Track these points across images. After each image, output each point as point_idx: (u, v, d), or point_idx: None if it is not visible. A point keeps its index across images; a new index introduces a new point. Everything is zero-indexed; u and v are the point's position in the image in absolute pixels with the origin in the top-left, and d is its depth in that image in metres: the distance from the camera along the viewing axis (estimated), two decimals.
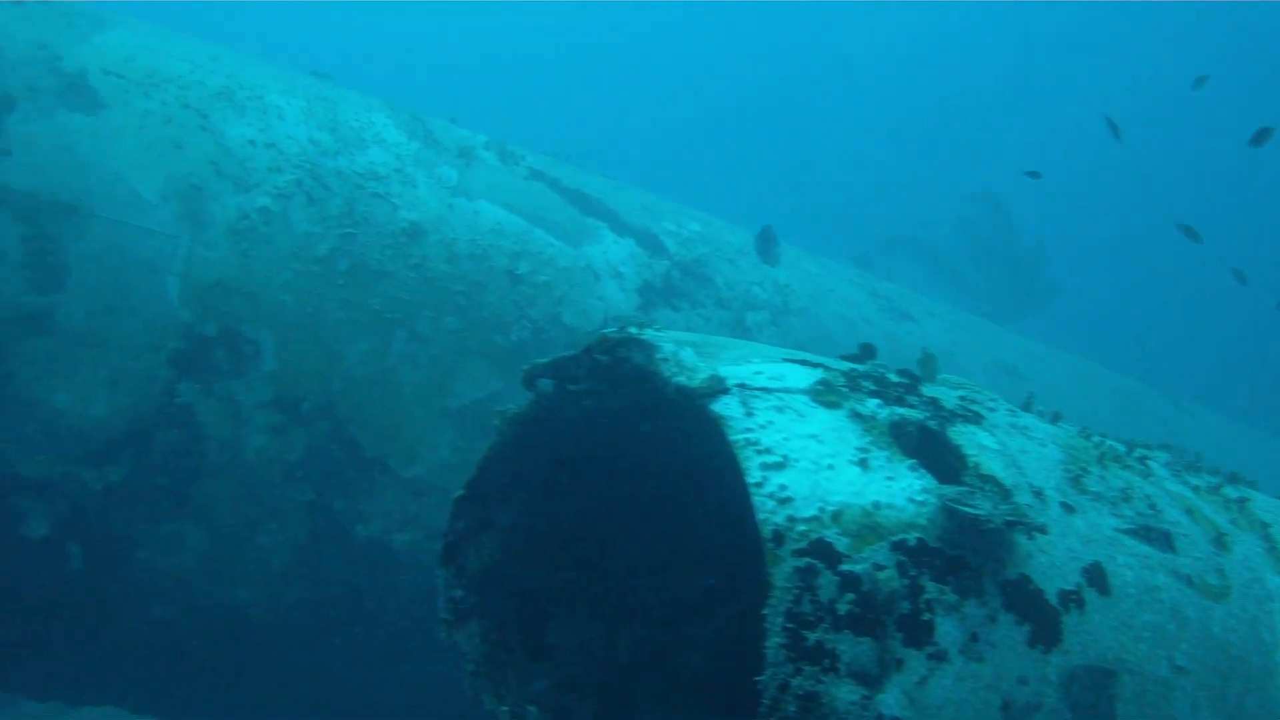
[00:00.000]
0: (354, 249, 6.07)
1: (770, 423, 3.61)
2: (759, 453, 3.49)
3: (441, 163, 6.74)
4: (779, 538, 3.32)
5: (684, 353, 3.70)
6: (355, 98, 6.78)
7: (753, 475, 3.43)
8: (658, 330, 3.94)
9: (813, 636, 3.20)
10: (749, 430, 3.55)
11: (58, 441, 5.60)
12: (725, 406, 3.58)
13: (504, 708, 4.28)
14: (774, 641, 3.21)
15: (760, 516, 3.35)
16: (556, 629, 4.56)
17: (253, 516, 5.89)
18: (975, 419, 3.96)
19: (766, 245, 8.26)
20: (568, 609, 4.62)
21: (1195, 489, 4.55)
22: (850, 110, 56.21)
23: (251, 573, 5.97)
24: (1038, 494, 3.79)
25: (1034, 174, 14.65)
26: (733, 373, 3.72)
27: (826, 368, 4.02)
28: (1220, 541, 4.25)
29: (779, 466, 3.48)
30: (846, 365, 4.20)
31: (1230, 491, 4.69)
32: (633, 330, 3.88)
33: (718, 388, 3.61)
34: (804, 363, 4.05)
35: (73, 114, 5.78)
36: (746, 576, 4.64)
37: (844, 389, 3.80)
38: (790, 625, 3.21)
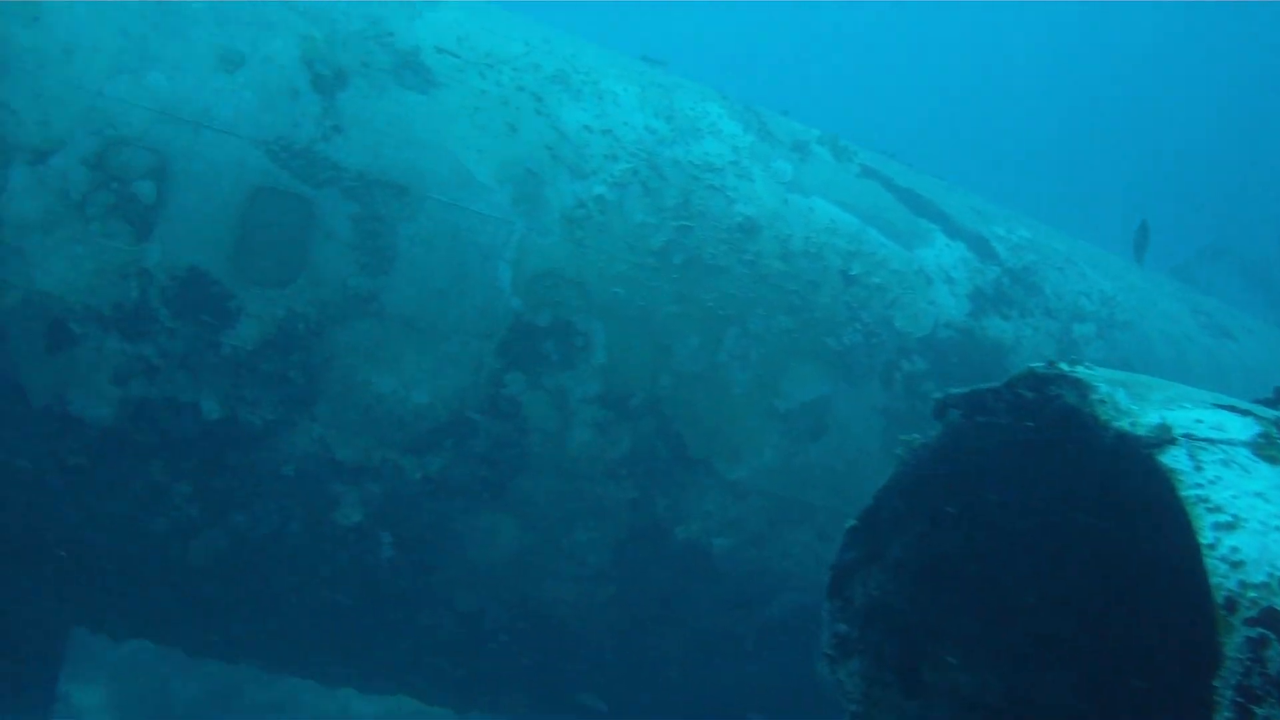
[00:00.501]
0: (689, 242, 5.77)
1: (1218, 478, 3.13)
2: (1210, 510, 3.05)
3: (776, 157, 6.36)
4: (1232, 605, 2.96)
5: (1119, 394, 3.21)
6: (690, 86, 6.48)
7: (1205, 536, 3.00)
8: (1088, 368, 3.45)
9: (1261, 712, 2.88)
10: (1199, 486, 3.06)
11: (378, 427, 5.55)
12: (1174, 459, 3.09)
13: None
14: (1223, 716, 2.90)
15: (1213, 581, 2.99)
16: (931, 666, 4.15)
17: (571, 512, 5.71)
18: None
19: (1142, 240, 7.57)
20: (943, 646, 4.20)
21: None
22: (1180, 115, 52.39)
23: (565, 569, 5.79)
24: None
25: None
26: (1174, 420, 3.21)
27: (1257, 416, 3.49)
28: None
29: (1230, 527, 3.06)
30: (1273, 414, 3.64)
31: None
32: (1063, 367, 3.41)
33: (1165, 437, 3.11)
34: (1233, 409, 3.54)
35: (406, 92, 5.70)
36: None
37: None
38: (1240, 699, 2.90)
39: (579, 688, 6.46)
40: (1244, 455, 3.27)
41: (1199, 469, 3.08)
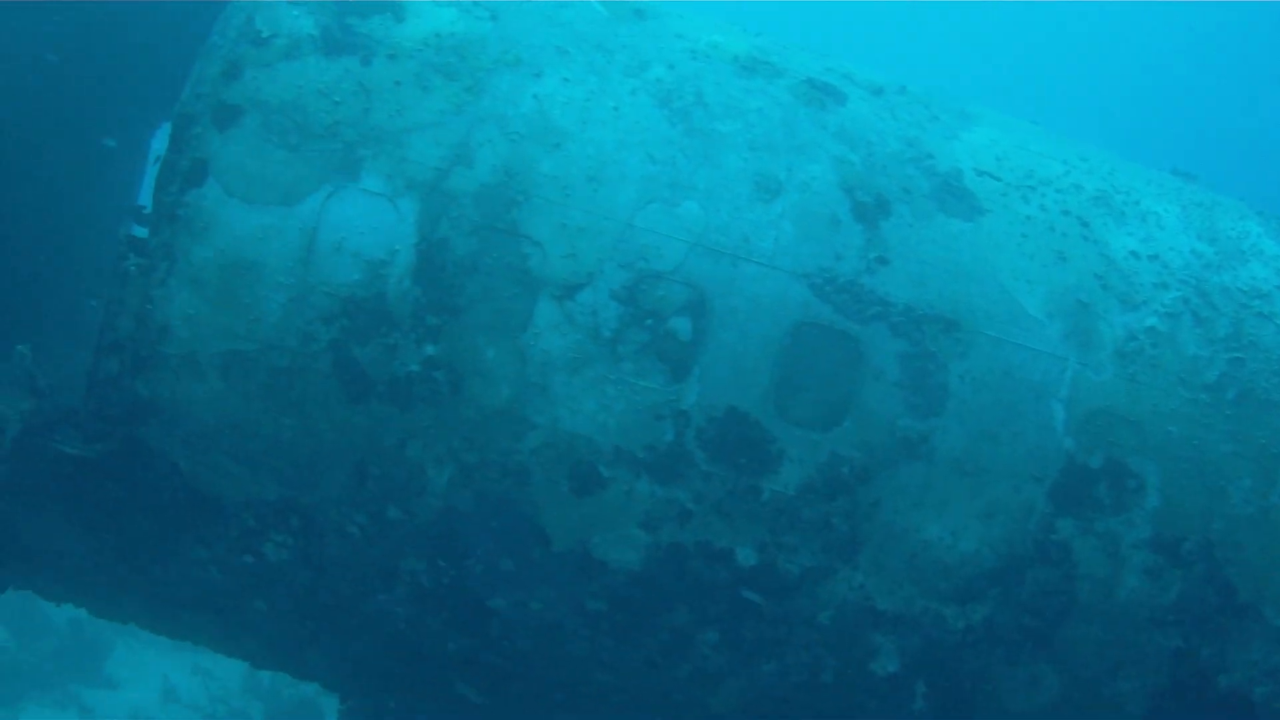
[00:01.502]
0: (1241, 375, 5.38)
1: None
2: None
3: None
4: None
5: None
6: (1228, 204, 6.06)
7: None
8: None
9: None
10: None
11: (922, 575, 5.25)
12: None
13: None
14: None
15: None
16: None
17: (1115, 661, 5.37)
18: None
19: None
20: None
21: None
22: None
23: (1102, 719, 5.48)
24: None
25: None
26: None
27: None
28: None
29: None
30: None
31: None
32: None
33: None
34: None
35: (950, 219, 5.36)
36: None
37: None
38: None
39: None
40: None
41: None
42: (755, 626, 5.28)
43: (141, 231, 6.42)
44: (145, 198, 7.91)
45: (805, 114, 5.45)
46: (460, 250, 5.10)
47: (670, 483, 5.15)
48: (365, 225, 5.13)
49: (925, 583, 5.25)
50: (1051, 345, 5.23)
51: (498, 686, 5.62)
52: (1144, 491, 5.25)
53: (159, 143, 7.68)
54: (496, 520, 5.18)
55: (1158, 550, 5.28)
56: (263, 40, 5.32)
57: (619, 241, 5.15)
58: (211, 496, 5.27)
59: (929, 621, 5.28)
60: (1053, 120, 6.77)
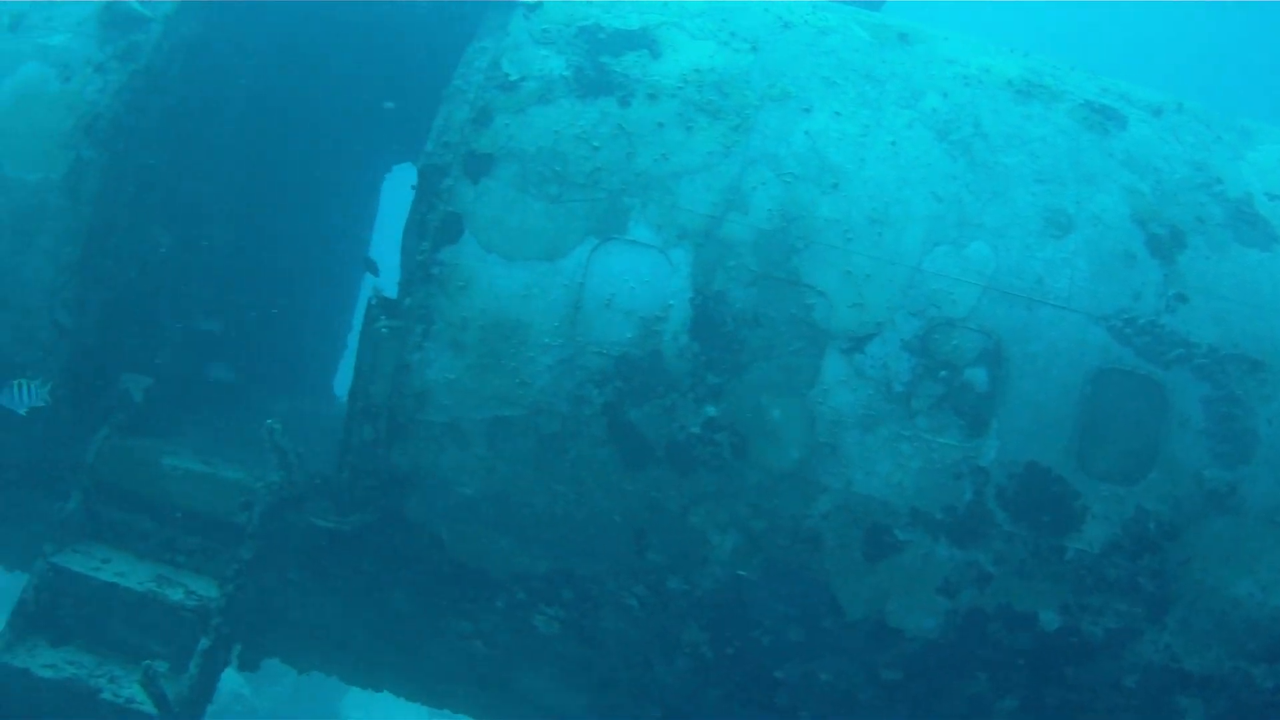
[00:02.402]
0: None
1: None
2: None
3: None
4: None
5: None
6: None
7: None
8: None
9: None
10: None
11: (1231, 634, 4.91)
12: None
13: None
14: None
15: None
16: None
17: None
18: None
19: None
20: None
21: None
22: None
23: None
24: None
25: None
26: None
27: None
28: None
29: None
30: None
31: None
32: None
33: None
34: None
35: (1247, 249, 5.00)
36: None
37: None
38: None
39: None
40: None
41: None
42: (1059, 691, 4.96)
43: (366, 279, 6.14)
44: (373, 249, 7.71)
45: (1089, 140, 5.09)
46: (739, 303, 4.76)
47: (970, 544, 4.82)
48: (636, 279, 4.79)
49: (1234, 642, 4.91)
50: None
51: None
52: None
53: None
54: (785, 588, 4.86)
55: None
56: (512, 84, 4.98)
57: (908, 288, 4.81)
58: (477, 570, 4.97)
59: (1237, 682, 4.95)
60: None
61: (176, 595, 4.88)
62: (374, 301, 4.93)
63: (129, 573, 4.97)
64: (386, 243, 6.69)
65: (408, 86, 6.70)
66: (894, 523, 4.79)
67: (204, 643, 4.82)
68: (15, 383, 5.21)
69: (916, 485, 4.79)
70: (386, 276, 8.31)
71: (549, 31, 5.08)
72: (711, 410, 4.75)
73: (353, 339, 8.24)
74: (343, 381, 8.17)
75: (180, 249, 5.93)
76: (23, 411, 5.20)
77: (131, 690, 4.76)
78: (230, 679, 12.35)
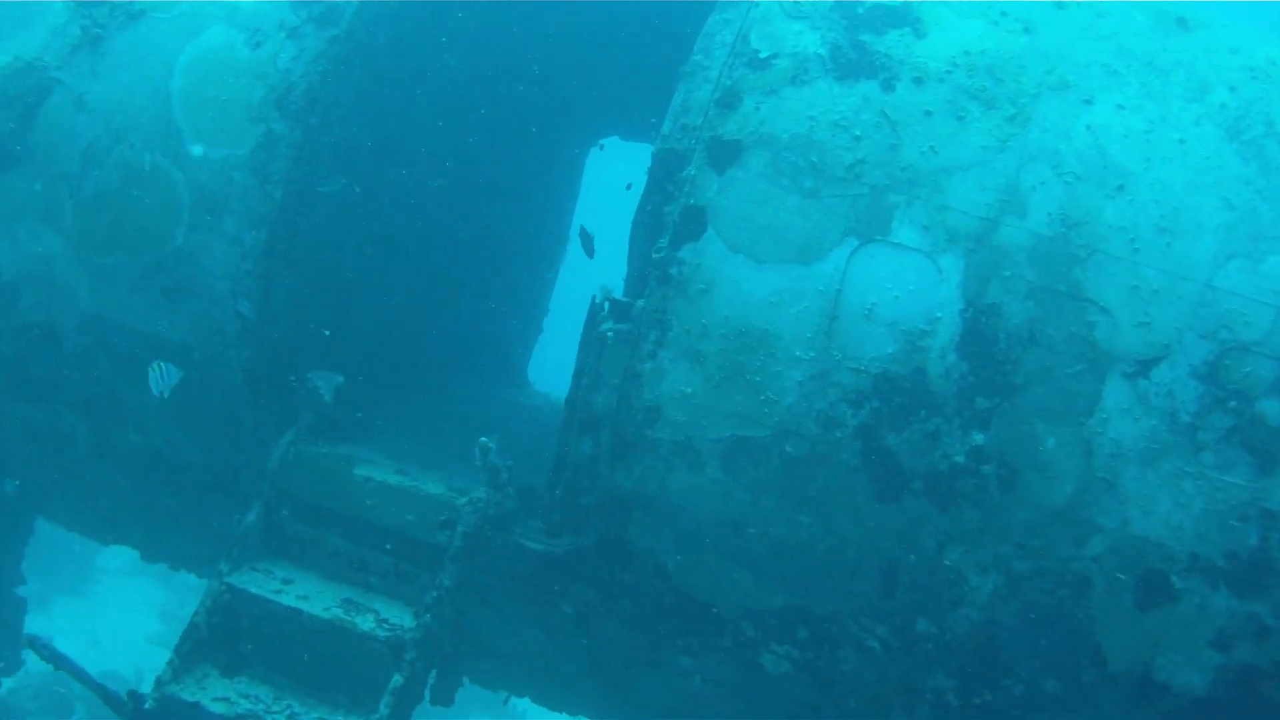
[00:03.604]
0: None
1: None
2: None
3: None
4: None
5: None
6: None
7: None
8: None
9: None
10: None
11: None
12: None
13: None
14: None
15: None
16: None
17: None
18: None
19: None
20: None
21: None
22: None
23: None
24: None
25: None
26: None
27: None
28: None
29: None
30: None
31: None
32: None
33: None
34: None
35: None
36: None
37: None
38: None
39: None
40: None
41: None
42: None
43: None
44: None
45: None
46: (1014, 318, 4.24)
47: (1250, 595, 4.34)
48: (900, 287, 4.27)
49: None
50: None
51: None
52: None
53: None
54: (1045, 636, 4.39)
55: None
56: (762, 61, 4.42)
57: (1198, 306, 4.28)
58: (703, 603, 4.49)
59: None
60: None
61: (367, 624, 4.39)
62: (600, 302, 4.41)
63: (313, 595, 4.48)
64: None
65: (620, 57, 6.11)
66: (1171, 568, 4.31)
67: (397, 679, 4.33)
68: (153, 364, 4.72)
69: (1197, 528, 4.30)
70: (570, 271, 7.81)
71: (801, 4, 4.51)
72: (979, 438, 4.25)
73: (549, 322, 7.77)
74: (536, 369, 7.72)
75: (377, 234, 5.36)
76: (165, 394, 4.72)
77: None
78: None
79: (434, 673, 4.60)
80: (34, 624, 9.96)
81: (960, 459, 4.24)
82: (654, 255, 4.30)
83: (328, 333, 5.08)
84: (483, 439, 4.48)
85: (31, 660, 7.37)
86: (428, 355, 6.36)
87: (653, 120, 6.96)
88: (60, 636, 11.02)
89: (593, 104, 6.92)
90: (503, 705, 6.76)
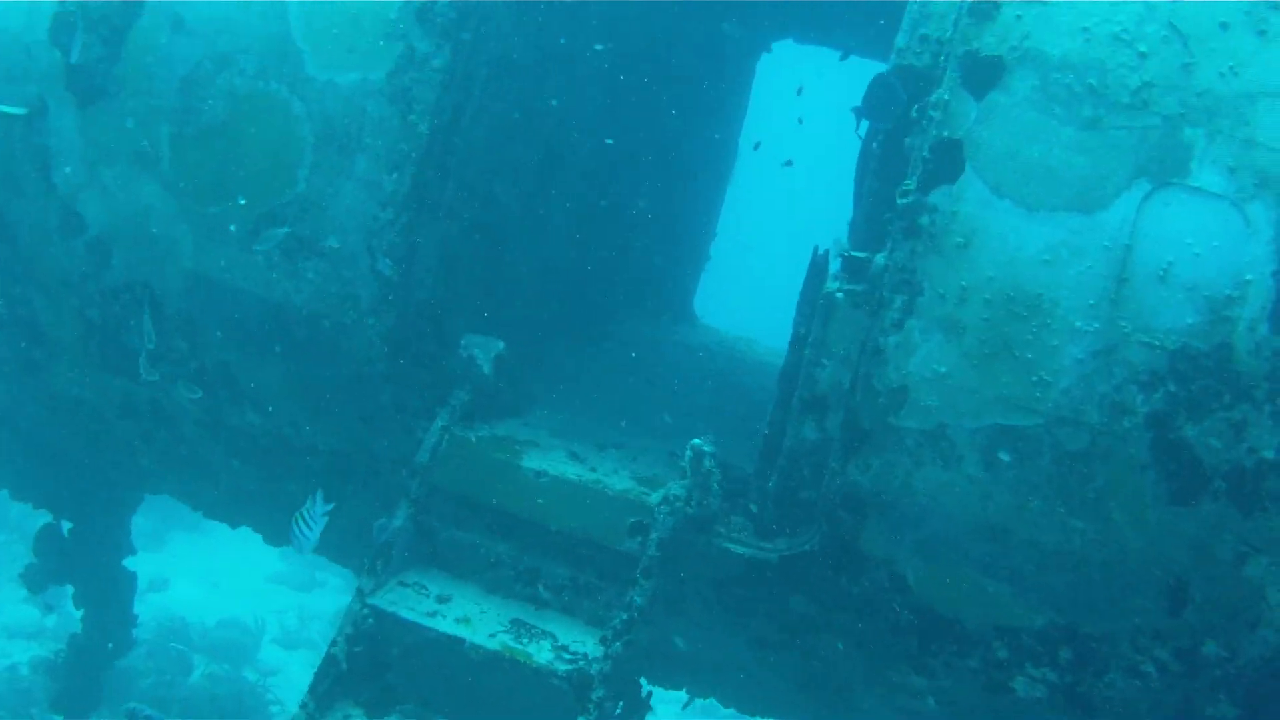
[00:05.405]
0: None
1: None
2: None
3: None
4: None
5: None
6: None
7: None
8: None
9: None
10: None
11: None
12: None
13: None
14: None
15: None
16: None
17: None
18: None
19: None
20: None
21: None
22: None
23: None
24: None
25: None
26: None
27: None
28: None
29: None
30: None
31: None
32: None
33: None
34: None
35: None
36: None
37: None
38: None
39: None
40: None
41: None
42: None
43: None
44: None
45: None
46: None
47: None
48: (1202, 244, 3.48)
49: None
50: None
51: None
52: None
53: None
54: None
55: None
56: None
57: None
58: (948, 619, 3.75)
59: None
60: None
61: (543, 655, 3.62)
62: (824, 255, 3.63)
63: (475, 618, 3.72)
64: None
65: None
66: None
67: None
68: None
69: None
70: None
71: None
72: None
73: (716, 249, 6.96)
74: (702, 301, 6.90)
75: (535, 164, 4.54)
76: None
77: None
78: None
79: (622, 704, 3.86)
80: (150, 562, 9.32)
81: (1270, 454, 3.48)
82: (899, 200, 3.51)
83: (482, 290, 4.29)
84: (695, 441, 3.72)
85: (144, 613, 6.76)
86: (590, 294, 5.55)
87: (831, 21, 6.09)
88: (177, 577, 10.43)
89: (764, 1, 6.02)
90: (682, 710, 6.03)
